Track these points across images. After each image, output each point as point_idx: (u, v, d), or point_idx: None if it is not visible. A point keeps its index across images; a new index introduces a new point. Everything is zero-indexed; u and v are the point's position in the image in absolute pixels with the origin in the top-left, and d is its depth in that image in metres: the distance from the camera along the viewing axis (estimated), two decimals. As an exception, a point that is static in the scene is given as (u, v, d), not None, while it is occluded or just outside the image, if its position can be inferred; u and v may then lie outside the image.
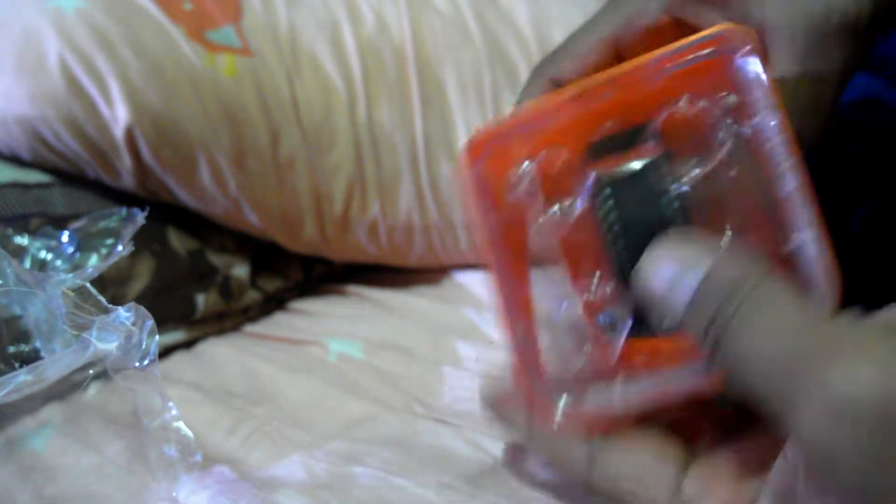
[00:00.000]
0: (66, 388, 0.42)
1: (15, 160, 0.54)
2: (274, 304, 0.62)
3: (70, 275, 0.34)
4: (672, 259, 0.21)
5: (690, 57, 0.23)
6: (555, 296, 0.26)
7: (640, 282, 0.22)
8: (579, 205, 0.26)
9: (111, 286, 0.51)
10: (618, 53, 0.29)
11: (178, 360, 0.53)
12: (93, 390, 0.42)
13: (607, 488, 0.24)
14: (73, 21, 0.51)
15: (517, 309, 0.26)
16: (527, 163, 0.26)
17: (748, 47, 0.23)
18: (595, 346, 0.25)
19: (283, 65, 0.56)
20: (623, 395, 0.24)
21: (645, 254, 0.22)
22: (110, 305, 0.33)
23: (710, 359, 0.20)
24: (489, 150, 0.26)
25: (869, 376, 0.17)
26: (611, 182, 0.25)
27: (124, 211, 0.44)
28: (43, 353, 0.36)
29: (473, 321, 0.57)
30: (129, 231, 0.40)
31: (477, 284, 0.61)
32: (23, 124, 0.51)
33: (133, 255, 0.52)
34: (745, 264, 0.20)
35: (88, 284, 0.33)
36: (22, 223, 0.49)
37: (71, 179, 0.54)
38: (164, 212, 0.56)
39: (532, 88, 0.30)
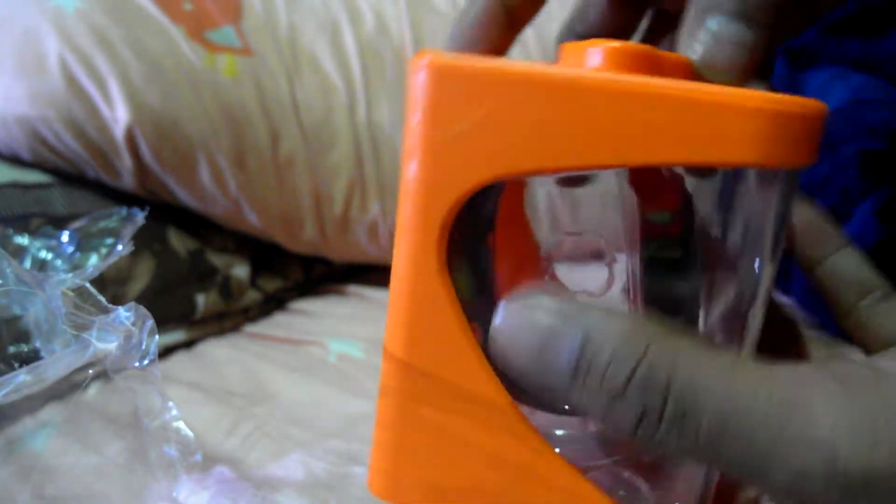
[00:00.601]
0: (66, 388, 0.42)
1: (15, 160, 0.54)
2: (274, 304, 0.62)
3: (70, 275, 0.34)
4: (533, 321, 0.17)
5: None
6: None
7: (498, 348, 0.18)
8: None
9: (111, 286, 0.51)
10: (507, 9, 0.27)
11: (178, 360, 0.52)
12: (93, 390, 0.42)
13: None
14: (73, 21, 0.51)
15: None
16: None
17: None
18: None
19: (283, 65, 0.56)
20: None
21: (500, 312, 0.18)
22: (110, 305, 0.33)
23: (662, 438, 0.16)
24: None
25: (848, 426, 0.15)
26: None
27: (124, 211, 0.44)
28: (43, 353, 0.36)
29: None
30: (129, 231, 0.40)
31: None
32: (23, 124, 0.51)
33: (133, 255, 0.52)
34: (630, 318, 0.17)
35: (88, 284, 0.33)
36: (22, 223, 0.49)
37: (71, 179, 0.54)
38: (164, 212, 0.56)
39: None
